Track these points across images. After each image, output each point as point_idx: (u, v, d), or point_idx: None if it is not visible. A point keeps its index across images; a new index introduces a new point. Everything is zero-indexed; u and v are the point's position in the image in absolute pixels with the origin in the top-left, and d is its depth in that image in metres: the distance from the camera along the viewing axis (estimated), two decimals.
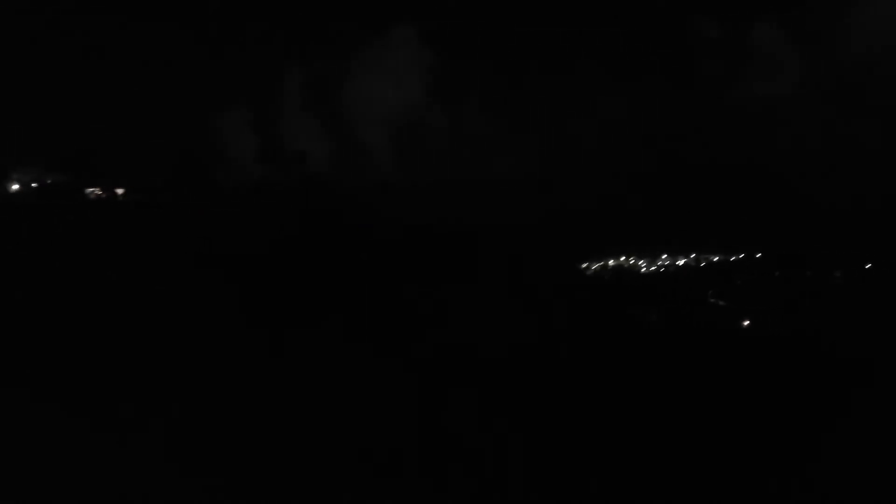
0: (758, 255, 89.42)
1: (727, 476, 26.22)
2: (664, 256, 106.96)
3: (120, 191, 63.50)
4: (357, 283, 49.52)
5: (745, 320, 57.10)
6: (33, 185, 61.33)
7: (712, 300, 68.01)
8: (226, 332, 36.12)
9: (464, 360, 37.79)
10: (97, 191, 62.60)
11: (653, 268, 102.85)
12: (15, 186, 60.65)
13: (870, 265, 76.80)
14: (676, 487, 25.66)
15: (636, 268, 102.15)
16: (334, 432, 28.16)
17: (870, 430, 28.29)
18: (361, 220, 60.54)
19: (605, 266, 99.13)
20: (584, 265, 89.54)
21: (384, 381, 32.46)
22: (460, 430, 29.26)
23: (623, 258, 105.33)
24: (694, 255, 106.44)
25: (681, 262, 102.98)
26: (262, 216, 59.68)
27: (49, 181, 62.35)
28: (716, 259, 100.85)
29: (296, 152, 75.16)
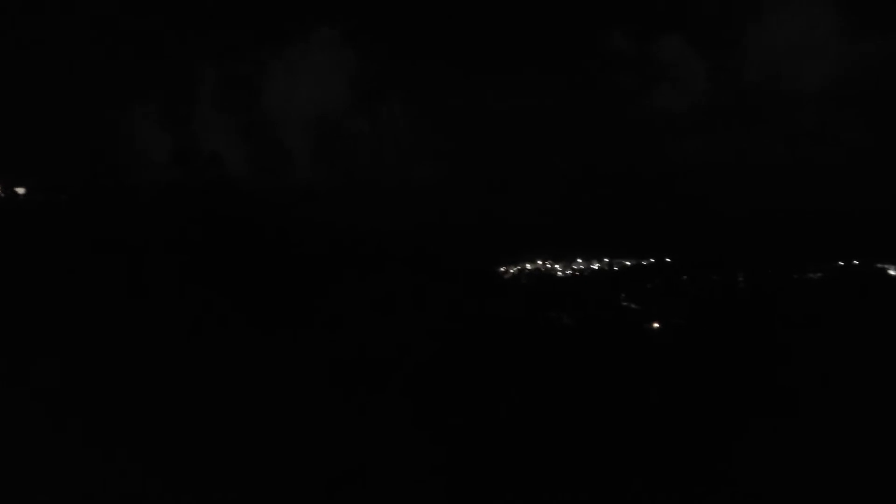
0: (667, 260, 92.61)
1: (632, 472, 26.71)
2: (579, 261, 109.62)
3: (21, 190, 60.07)
4: (268, 287, 48.38)
5: (654, 322, 58.51)
6: None
7: (624, 303, 69.60)
8: (121, 339, 34.65)
9: (379, 363, 37.32)
10: None
11: (568, 272, 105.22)
12: None
13: (770, 270, 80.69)
14: (583, 484, 25.97)
15: (552, 272, 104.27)
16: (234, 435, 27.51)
17: (772, 429, 29.47)
18: (276, 224, 59.20)
19: (522, 270, 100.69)
20: (502, 269, 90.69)
21: (291, 386, 31.76)
22: (371, 433, 28.88)
23: (539, 262, 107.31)
24: (607, 259, 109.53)
25: (595, 267, 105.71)
26: (171, 219, 57.57)
27: None
28: (628, 264, 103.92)
29: (210, 153, 73.00)
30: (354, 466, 26.39)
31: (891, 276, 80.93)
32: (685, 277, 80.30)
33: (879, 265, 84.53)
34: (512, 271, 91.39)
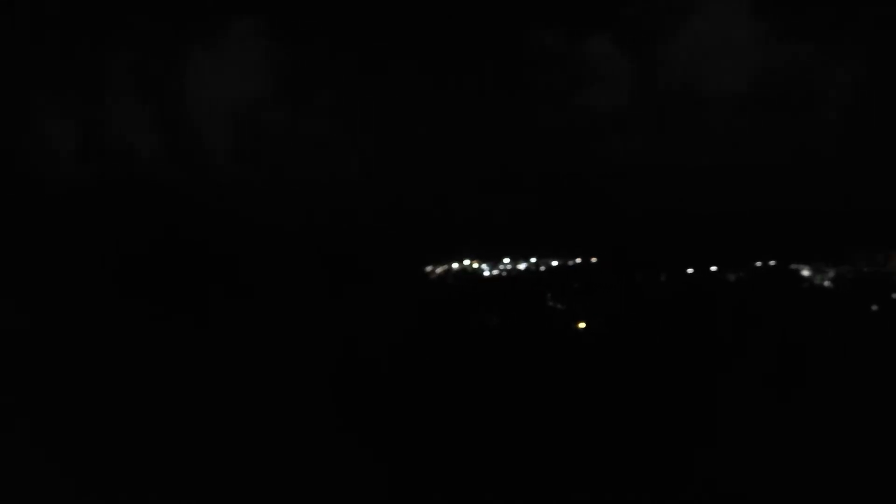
0: (593, 261, 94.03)
1: (558, 474, 26.50)
2: (506, 260, 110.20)
3: None
4: (184, 288, 46.47)
5: (580, 323, 58.88)
6: None
7: (551, 304, 69.87)
8: (21, 350, 32.75)
9: (305, 366, 36.28)
10: None
11: (495, 272, 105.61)
12: None
13: (691, 269, 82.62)
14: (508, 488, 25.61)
15: (479, 271, 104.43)
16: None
17: (697, 425, 29.81)
18: (194, 221, 56.85)
19: (449, 269, 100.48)
20: (429, 268, 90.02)
21: (200, 391, 30.45)
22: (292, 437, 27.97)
23: (466, 262, 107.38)
24: (534, 259, 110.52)
25: (522, 267, 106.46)
26: (80, 217, 54.59)
27: None
28: (555, 264, 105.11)
29: (124, 148, 69.61)
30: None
31: (804, 276, 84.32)
32: (610, 277, 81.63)
33: (794, 266, 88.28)
34: (438, 271, 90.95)
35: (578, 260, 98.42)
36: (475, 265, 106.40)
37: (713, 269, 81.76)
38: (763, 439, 27.76)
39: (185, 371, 32.90)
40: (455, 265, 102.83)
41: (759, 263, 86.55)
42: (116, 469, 24.32)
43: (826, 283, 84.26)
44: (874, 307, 64.87)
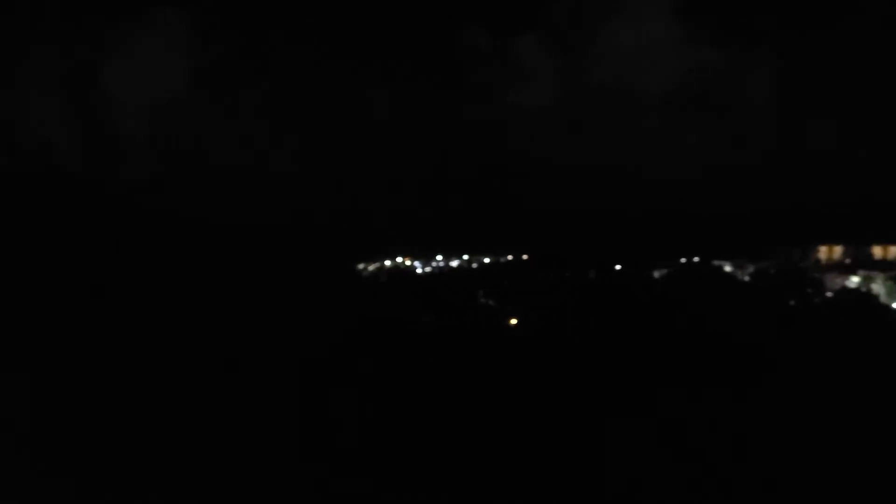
0: (524, 258, 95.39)
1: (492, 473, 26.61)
2: (438, 258, 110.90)
3: None
4: (102, 286, 44.86)
5: (512, 319, 59.45)
6: None
7: (483, 300, 70.43)
8: None
9: (235, 365, 35.42)
10: None
11: (427, 269, 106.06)
12: None
13: (619, 266, 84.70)
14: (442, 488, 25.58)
15: (411, 269, 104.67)
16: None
17: (630, 420, 30.41)
18: (112, 217, 54.93)
19: (382, 267, 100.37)
20: (361, 266, 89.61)
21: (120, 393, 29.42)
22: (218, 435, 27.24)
23: (399, 259, 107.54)
24: (466, 256, 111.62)
25: (454, 264, 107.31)
26: None
27: None
28: (487, 261, 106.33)
29: (38, 141, 66.74)
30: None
31: (726, 272, 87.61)
32: (541, 274, 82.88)
33: (716, 262, 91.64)
34: (371, 268, 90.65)
35: (510, 257, 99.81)
36: (408, 262, 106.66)
37: (640, 265, 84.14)
38: (685, 428, 28.57)
39: (92, 370, 31.74)
40: (388, 262, 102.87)
41: (683, 260, 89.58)
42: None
43: (746, 279, 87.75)
44: (791, 301, 67.72)
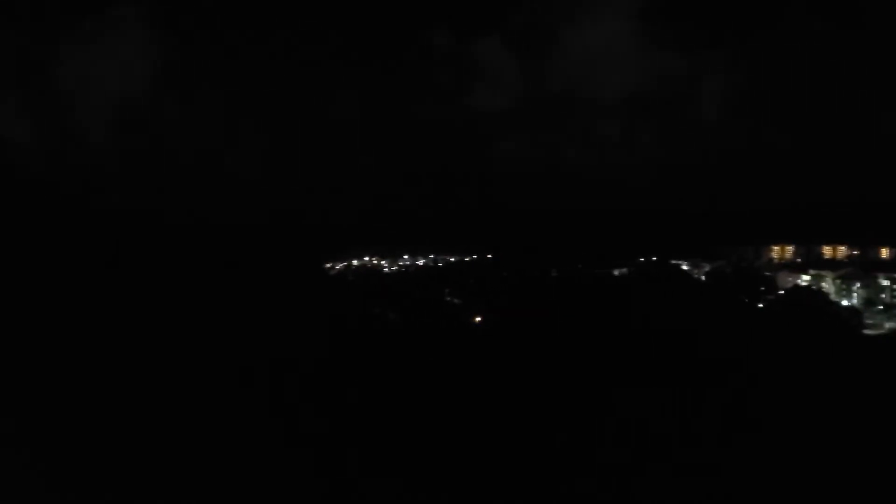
0: (489, 257, 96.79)
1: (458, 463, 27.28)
2: (405, 257, 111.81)
3: None
4: (59, 283, 44.63)
5: (476, 317, 60.47)
6: None
7: (448, 298, 71.39)
8: None
9: (204, 365, 35.55)
10: None
11: (394, 268, 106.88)
12: None
13: (580, 265, 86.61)
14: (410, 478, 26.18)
15: (379, 268, 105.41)
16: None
17: (592, 415, 31.46)
18: (73, 217, 54.51)
19: (349, 266, 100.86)
20: (329, 265, 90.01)
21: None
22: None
23: (366, 258, 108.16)
24: (432, 256, 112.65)
25: (420, 263, 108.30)
26: None
27: None
28: (452, 260, 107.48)
29: None
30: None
31: (684, 270, 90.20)
32: (505, 273, 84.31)
33: (674, 261, 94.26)
34: (338, 267, 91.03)
35: (475, 256, 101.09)
36: (375, 261, 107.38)
37: (601, 263, 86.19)
38: (646, 422, 29.66)
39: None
40: (355, 261, 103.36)
41: (642, 259, 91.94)
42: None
43: (702, 277, 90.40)
44: (745, 299, 70.12)
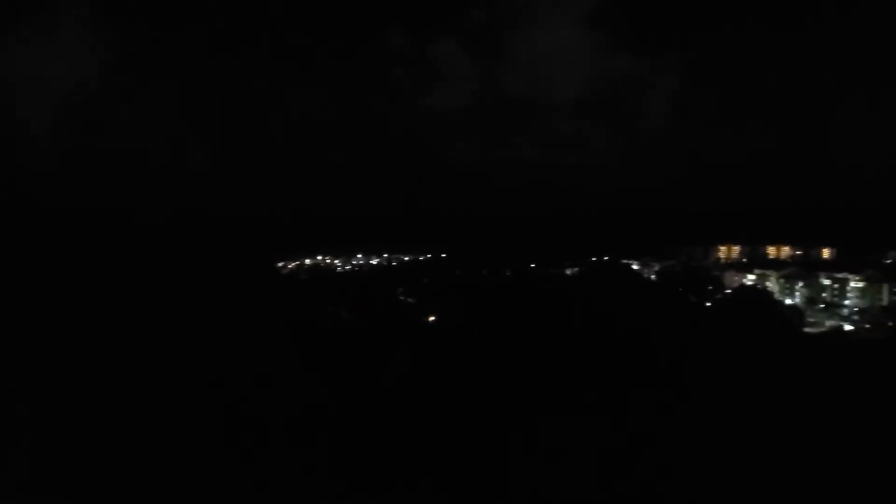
0: (443, 256, 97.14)
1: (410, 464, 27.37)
2: (359, 256, 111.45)
3: None
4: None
5: (431, 316, 60.50)
6: None
7: (402, 298, 71.35)
8: None
9: (146, 366, 34.91)
10: None
11: (348, 267, 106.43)
12: None
13: (533, 265, 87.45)
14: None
15: (332, 267, 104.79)
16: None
17: (550, 410, 31.79)
18: (16, 212, 53.07)
19: (302, 265, 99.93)
20: (280, 264, 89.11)
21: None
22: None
23: (319, 257, 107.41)
24: (386, 255, 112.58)
25: (374, 262, 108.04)
26: None
27: None
28: (406, 259, 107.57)
29: None
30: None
31: (634, 270, 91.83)
32: (459, 272, 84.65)
33: (625, 260, 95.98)
34: (290, 266, 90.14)
35: (428, 256, 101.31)
36: (328, 260, 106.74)
37: (553, 263, 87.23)
38: (596, 422, 30.11)
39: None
40: (308, 260, 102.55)
41: (594, 259, 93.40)
42: None
43: (652, 277, 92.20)
44: (693, 298, 71.68)
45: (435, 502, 24.39)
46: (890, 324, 62.57)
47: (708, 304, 70.92)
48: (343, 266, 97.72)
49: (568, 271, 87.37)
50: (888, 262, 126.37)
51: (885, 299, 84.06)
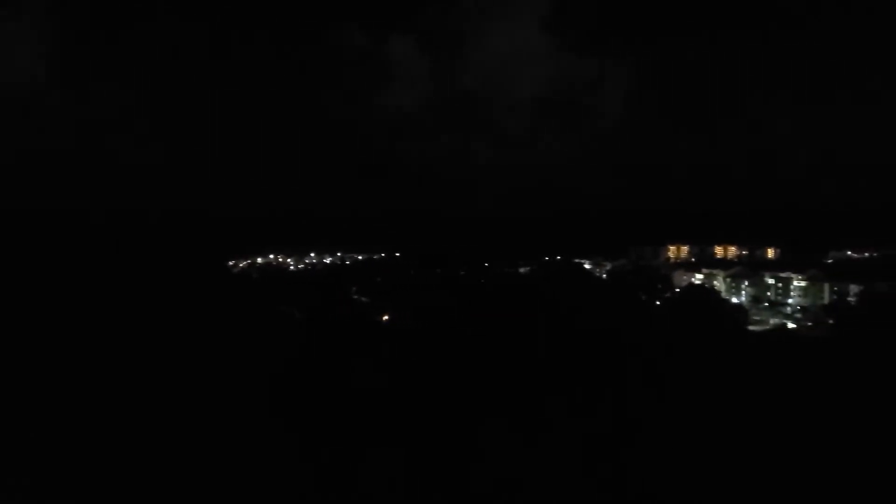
0: (396, 255, 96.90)
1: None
2: (311, 255, 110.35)
3: None
4: None
5: (384, 315, 60.32)
6: None
7: (356, 297, 70.96)
8: None
9: (99, 362, 34.12)
10: None
11: (300, 266, 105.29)
12: None
13: (487, 264, 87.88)
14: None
15: (284, 266, 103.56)
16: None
17: (508, 407, 31.92)
18: None
19: (253, 264, 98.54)
20: (231, 262, 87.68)
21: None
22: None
23: (271, 256, 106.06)
24: (339, 253, 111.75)
25: (327, 261, 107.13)
26: None
27: None
28: (360, 258, 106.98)
29: None
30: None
31: (586, 269, 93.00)
32: (413, 271, 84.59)
33: (577, 260, 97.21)
34: (242, 265, 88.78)
35: (383, 254, 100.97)
36: (280, 259, 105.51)
37: (506, 262, 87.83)
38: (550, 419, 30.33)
39: None
40: (259, 259, 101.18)
41: (546, 258, 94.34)
42: None
43: (603, 276, 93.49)
44: (643, 296, 72.87)
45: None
46: (830, 322, 64.39)
47: (658, 302, 72.04)
48: (296, 265, 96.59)
49: (522, 270, 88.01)
50: (829, 261, 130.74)
51: (826, 298, 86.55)
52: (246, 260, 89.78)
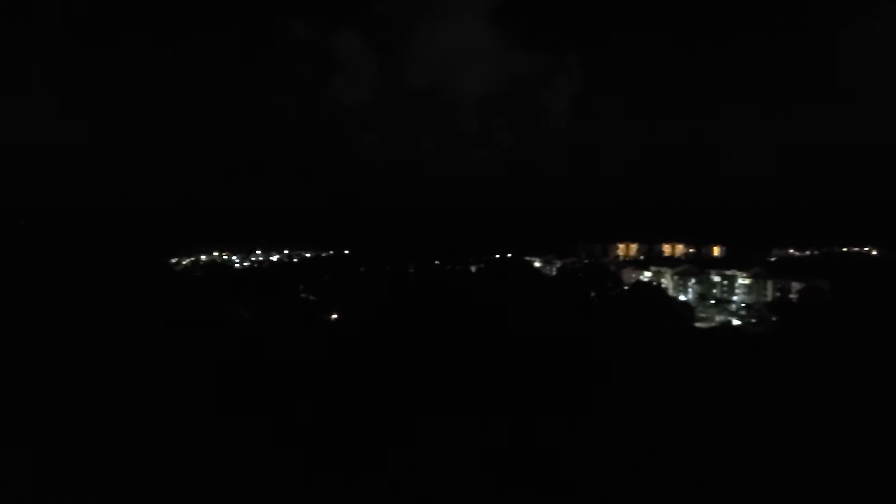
0: (346, 252, 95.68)
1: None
2: (258, 252, 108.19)
3: None
4: None
5: (332, 314, 59.43)
6: None
7: (304, 295, 69.75)
8: None
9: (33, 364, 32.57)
10: None
11: (246, 263, 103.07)
12: None
13: (437, 262, 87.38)
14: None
15: (230, 263, 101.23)
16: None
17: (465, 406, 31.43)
18: None
19: (198, 261, 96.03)
20: (174, 260, 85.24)
21: None
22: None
23: (216, 253, 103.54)
24: (287, 251, 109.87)
25: (274, 258, 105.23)
26: None
27: None
28: (307, 255, 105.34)
29: None
30: None
31: (536, 266, 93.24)
32: (362, 269, 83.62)
33: (527, 257, 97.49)
34: (185, 263, 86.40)
35: (331, 252, 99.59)
36: (225, 256, 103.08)
37: (456, 260, 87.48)
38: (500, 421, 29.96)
39: None
40: (203, 257, 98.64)
41: (497, 256, 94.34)
42: None
43: (554, 273, 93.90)
44: (592, 293, 73.28)
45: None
46: (773, 318, 65.73)
47: (606, 300, 72.52)
48: (242, 262, 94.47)
49: (472, 268, 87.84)
50: (773, 259, 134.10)
51: (769, 295, 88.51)
52: (189, 257, 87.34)
